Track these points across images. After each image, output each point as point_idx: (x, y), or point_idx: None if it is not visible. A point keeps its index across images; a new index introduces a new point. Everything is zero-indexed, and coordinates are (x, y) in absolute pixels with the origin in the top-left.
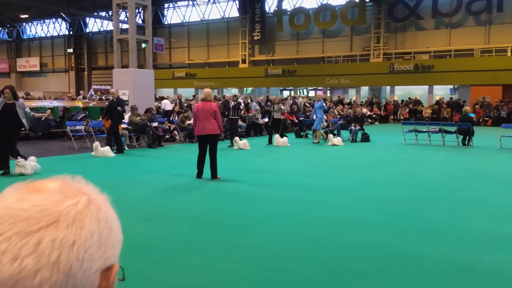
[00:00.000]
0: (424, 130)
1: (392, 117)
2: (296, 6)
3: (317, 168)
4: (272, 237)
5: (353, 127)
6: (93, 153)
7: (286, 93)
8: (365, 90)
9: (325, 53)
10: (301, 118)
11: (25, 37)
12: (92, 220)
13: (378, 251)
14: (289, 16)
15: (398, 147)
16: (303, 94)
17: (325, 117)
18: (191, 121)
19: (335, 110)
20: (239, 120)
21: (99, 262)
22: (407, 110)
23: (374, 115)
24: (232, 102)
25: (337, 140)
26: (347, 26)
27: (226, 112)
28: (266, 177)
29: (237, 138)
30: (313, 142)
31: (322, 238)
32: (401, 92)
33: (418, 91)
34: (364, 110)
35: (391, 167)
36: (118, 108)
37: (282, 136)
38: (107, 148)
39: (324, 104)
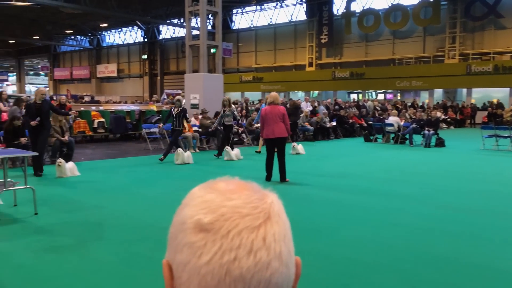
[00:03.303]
0: (506, 136)
1: (469, 121)
2: (365, 8)
3: (389, 174)
4: (344, 242)
5: (426, 132)
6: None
7: (353, 96)
8: (438, 92)
9: (395, 54)
10: (370, 122)
11: (104, 45)
12: (285, 214)
13: (456, 262)
14: (357, 17)
15: (477, 153)
16: (372, 97)
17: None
18: (259, 124)
19: (407, 114)
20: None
21: (294, 253)
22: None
23: (449, 119)
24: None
25: (300, 148)
26: (420, 26)
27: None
28: (335, 182)
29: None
30: (256, 151)
31: (396, 246)
32: (479, 94)
33: (497, 94)
34: (438, 114)
35: (468, 173)
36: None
37: (232, 147)
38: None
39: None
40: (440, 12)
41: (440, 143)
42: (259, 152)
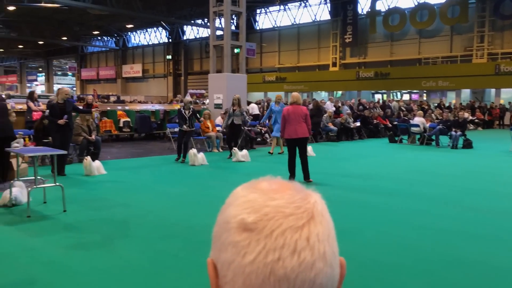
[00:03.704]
0: None
1: (497, 122)
2: (390, 6)
3: (414, 175)
4: (369, 244)
5: (453, 133)
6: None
7: (378, 96)
8: (466, 93)
9: (421, 54)
10: (395, 123)
11: (129, 45)
12: (328, 214)
13: (482, 265)
14: (383, 17)
15: (505, 154)
16: (397, 97)
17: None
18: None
19: (433, 115)
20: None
21: (338, 254)
22: None
23: (476, 120)
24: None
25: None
26: (447, 25)
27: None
28: (359, 183)
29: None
30: (269, 152)
31: (422, 248)
32: (508, 95)
33: None
34: (466, 115)
35: (497, 175)
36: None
37: (241, 148)
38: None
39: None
40: (468, 10)
41: (468, 145)
42: (271, 153)
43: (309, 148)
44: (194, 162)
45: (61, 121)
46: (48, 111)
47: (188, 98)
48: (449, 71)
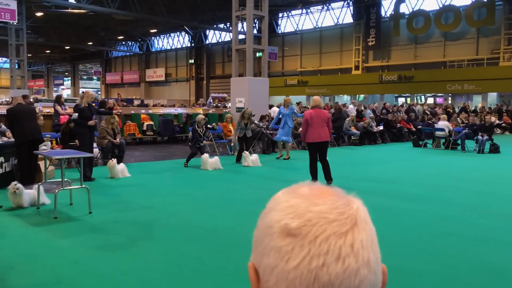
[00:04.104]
0: None
1: None
2: (414, 9)
3: (439, 180)
4: (394, 250)
5: (480, 137)
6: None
7: (401, 100)
8: (493, 96)
9: (446, 57)
10: (419, 127)
11: (153, 50)
12: (371, 221)
13: None
14: (407, 19)
15: None
16: (421, 101)
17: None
18: (302, 129)
19: (458, 118)
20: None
21: (381, 261)
22: None
23: (503, 124)
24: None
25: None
26: (473, 27)
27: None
28: (383, 187)
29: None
30: (278, 158)
31: (449, 255)
32: None
33: None
34: (493, 119)
35: None
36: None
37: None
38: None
39: (296, 109)
40: (495, 12)
41: (495, 149)
42: (288, 158)
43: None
44: (206, 166)
45: (91, 122)
46: (76, 114)
47: (201, 116)
48: (475, 74)
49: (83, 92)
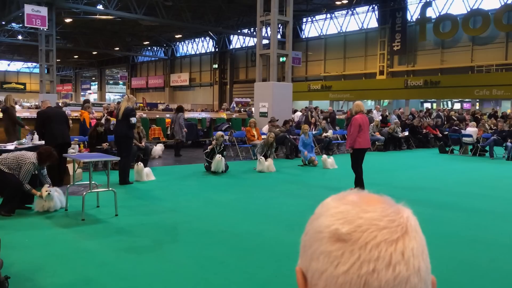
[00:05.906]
0: None
1: None
2: (441, 13)
3: (467, 187)
4: None
5: (509, 143)
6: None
7: (427, 105)
8: None
9: (474, 62)
10: (446, 132)
11: (177, 55)
12: (421, 230)
13: None
14: (433, 23)
15: None
16: (448, 106)
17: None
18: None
19: (486, 124)
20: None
21: (430, 271)
22: None
23: None
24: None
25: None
26: (502, 32)
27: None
28: (409, 194)
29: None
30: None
31: (479, 264)
32: None
33: None
34: None
35: None
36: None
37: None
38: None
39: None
40: None
41: None
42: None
43: (331, 160)
44: (217, 168)
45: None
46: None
47: (220, 132)
48: (504, 79)
49: (127, 96)
